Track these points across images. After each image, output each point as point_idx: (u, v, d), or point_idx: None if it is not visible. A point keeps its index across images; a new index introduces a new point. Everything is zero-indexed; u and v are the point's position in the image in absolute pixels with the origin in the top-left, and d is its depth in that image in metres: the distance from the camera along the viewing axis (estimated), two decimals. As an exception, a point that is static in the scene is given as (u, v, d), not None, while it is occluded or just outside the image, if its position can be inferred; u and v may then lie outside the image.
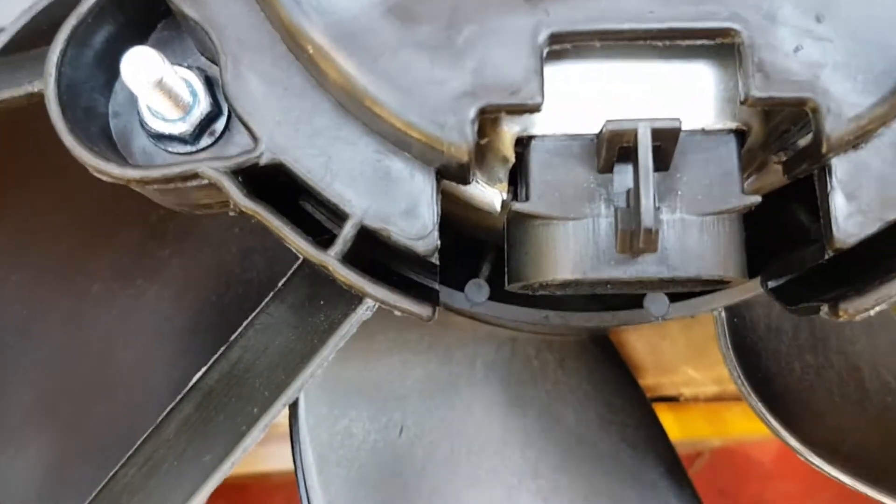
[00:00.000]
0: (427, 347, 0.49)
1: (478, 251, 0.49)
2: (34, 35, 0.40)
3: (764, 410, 0.43)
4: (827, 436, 0.44)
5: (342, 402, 0.46)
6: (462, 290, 0.46)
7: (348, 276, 0.34)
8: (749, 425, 0.67)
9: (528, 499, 0.50)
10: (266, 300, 0.40)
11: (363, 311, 0.35)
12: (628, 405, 0.53)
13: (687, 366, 0.61)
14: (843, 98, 0.32)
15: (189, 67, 0.38)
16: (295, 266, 0.42)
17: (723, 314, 0.45)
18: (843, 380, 0.47)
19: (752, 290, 0.43)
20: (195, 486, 0.37)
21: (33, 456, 0.49)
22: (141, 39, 0.38)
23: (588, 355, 0.53)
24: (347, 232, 0.34)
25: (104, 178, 0.35)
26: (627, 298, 0.49)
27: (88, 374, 0.49)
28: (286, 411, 0.42)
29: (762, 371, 0.46)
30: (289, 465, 0.49)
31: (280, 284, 0.40)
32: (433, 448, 0.47)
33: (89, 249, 0.49)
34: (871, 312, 0.34)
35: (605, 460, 0.51)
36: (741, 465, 0.72)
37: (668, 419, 0.64)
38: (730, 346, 0.44)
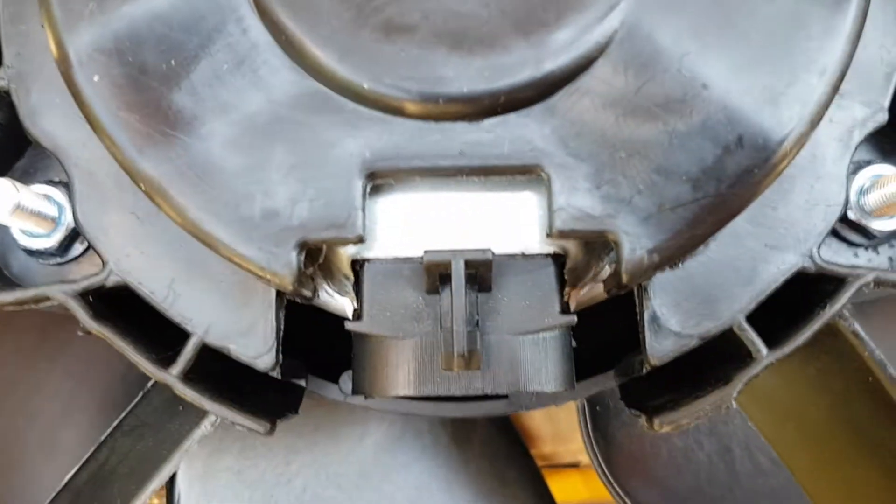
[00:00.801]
0: (314, 429, 0.50)
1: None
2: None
3: (626, 500, 0.45)
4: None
5: (221, 493, 0.47)
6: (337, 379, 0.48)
7: (186, 393, 0.36)
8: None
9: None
10: (136, 401, 0.42)
11: (206, 426, 0.37)
12: (521, 478, 0.54)
13: (584, 434, 0.63)
14: (642, 232, 0.33)
15: (58, 183, 0.40)
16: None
17: (584, 402, 0.47)
18: (713, 462, 0.49)
19: (612, 381, 0.45)
20: None
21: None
22: (15, 157, 0.41)
23: (481, 428, 0.55)
24: (188, 351, 0.36)
25: (-38, 300, 0.37)
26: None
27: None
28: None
29: (626, 457, 0.47)
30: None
31: (149, 385, 0.42)
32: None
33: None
34: (687, 427, 0.36)
35: (496, 534, 0.52)
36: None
37: (577, 482, 0.66)
38: (591, 437, 0.46)
